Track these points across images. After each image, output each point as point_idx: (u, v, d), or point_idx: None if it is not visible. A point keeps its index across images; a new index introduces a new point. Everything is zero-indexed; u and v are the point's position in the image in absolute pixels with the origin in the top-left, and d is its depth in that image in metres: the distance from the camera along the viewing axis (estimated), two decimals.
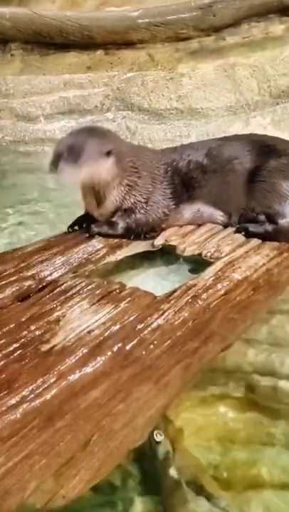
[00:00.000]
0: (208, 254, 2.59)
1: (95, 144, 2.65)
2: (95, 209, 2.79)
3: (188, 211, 2.82)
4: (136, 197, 2.74)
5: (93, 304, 2.17)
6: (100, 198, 2.74)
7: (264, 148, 2.81)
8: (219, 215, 2.83)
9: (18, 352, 1.89)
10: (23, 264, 2.47)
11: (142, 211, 2.74)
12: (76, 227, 2.83)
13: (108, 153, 2.65)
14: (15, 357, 1.87)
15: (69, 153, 2.57)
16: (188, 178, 2.80)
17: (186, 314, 2.18)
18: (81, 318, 2.08)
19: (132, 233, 2.74)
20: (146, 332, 2.05)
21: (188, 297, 2.25)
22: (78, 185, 2.73)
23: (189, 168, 2.80)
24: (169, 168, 2.80)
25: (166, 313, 2.15)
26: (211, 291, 2.31)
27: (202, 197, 2.81)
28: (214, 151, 2.83)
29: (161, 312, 2.15)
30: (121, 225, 2.73)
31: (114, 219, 2.74)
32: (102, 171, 2.66)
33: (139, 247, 2.72)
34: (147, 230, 2.76)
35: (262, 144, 2.84)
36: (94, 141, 2.66)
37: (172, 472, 1.98)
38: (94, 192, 2.74)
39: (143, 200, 2.75)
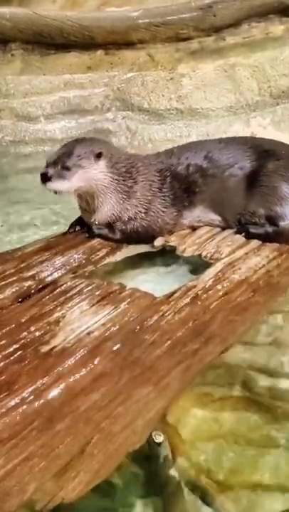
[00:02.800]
0: (208, 255, 2.59)
1: (84, 147, 2.65)
2: (90, 217, 2.75)
3: (189, 218, 2.81)
4: (136, 207, 2.71)
5: (93, 305, 2.17)
6: (96, 205, 2.70)
7: (262, 152, 2.80)
8: (219, 221, 2.82)
9: (18, 353, 1.89)
10: (23, 265, 2.47)
11: (143, 222, 2.72)
12: (76, 228, 2.82)
13: (99, 156, 2.63)
14: (15, 358, 1.87)
15: (58, 159, 2.57)
16: (188, 183, 2.77)
17: (186, 315, 2.18)
18: (81, 319, 2.08)
19: (132, 240, 2.73)
20: (146, 333, 2.06)
21: (188, 298, 2.25)
22: (73, 193, 2.67)
23: (189, 172, 2.78)
24: (168, 173, 2.78)
25: (166, 315, 2.15)
26: (210, 292, 2.31)
27: (202, 202, 2.79)
28: (213, 154, 2.80)
29: (161, 313, 2.15)
30: (121, 231, 2.72)
31: (115, 225, 2.73)
32: (95, 175, 2.63)
33: (139, 248, 2.71)
34: (148, 238, 2.73)
35: (260, 148, 2.83)
36: (82, 144, 2.67)
37: (172, 474, 1.98)
38: (90, 199, 2.70)
39: (143, 211, 2.72)
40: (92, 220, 2.74)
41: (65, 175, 2.56)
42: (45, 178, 2.55)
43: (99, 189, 2.67)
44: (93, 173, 2.63)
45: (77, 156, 2.59)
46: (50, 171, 2.55)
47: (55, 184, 2.55)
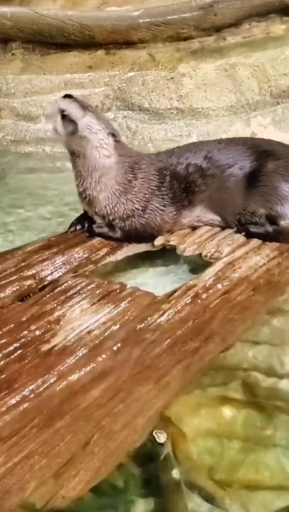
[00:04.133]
0: (209, 255, 2.60)
1: (105, 119, 2.76)
2: (90, 207, 2.77)
3: (189, 218, 2.81)
4: (133, 203, 2.72)
5: (93, 304, 2.17)
6: (92, 188, 2.71)
7: (262, 152, 2.81)
8: (218, 221, 2.82)
9: (19, 352, 1.90)
10: (23, 264, 2.48)
11: (141, 220, 2.73)
12: (77, 227, 2.83)
13: (112, 135, 2.68)
14: (15, 357, 1.88)
15: (84, 103, 2.66)
16: (187, 182, 2.78)
17: (186, 314, 2.18)
18: (81, 318, 2.08)
19: (132, 239, 2.73)
20: (146, 332, 2.06)
21: (189, 297, 2.25)
22: (72, 141, 2.65)
23: (188, 172, 2.78)
24: (167, 173, 2.78)
25: (166, 313, 2.15)
26: (211, 291, 2.32)
27: (202, 202, 2.79)
28: (213, 155, 2.81)
29: (161, 312, 2.15)
30: (120, 229, 2.72)
31: (114, 222, 2.73)
32: (101, 141, 2.65)
33: (140, 247, 2.72)
34: (147, 236, 2.74)
35: (259, 148, 2.84)
36: (105, 118, 2.78)
37: (173, 473, 1.98)
38: (86, 178, 2.70)
39: (140, 208, 2.73)
40: (90, 210, 2.76)
41: (83, 108, 2.62)
42: (65, 96, 2.62)
43: (97, 164, 2.67)
44: (101, 137, 2.65)
45: (99, 115, 2.70)
46: (73, 96, 2.64)
47: (70, 104, 2.60)
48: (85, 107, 2.63)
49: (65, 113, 2.58)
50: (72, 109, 2.58)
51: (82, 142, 2.62)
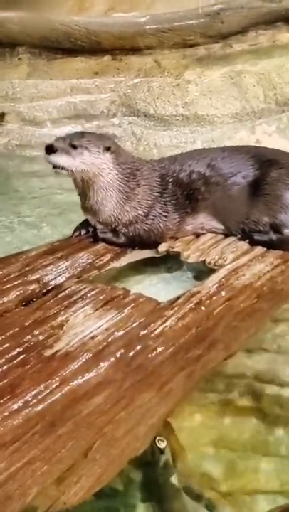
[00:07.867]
0: (212, 262, 2.59)
1: (95, 136, 2.72)
2: (93, 217, 2.77)
3: (192, 225, 2.81)
4: (136, 210, 2.72)
5: (97, 310, 2.17)
6: (97, 203, 2.71)
7: (265, 161, 2.81)
8: (222, 229, 2.82)
9: (22, 356, 1.89)
10: (27, 268, 2.47)
11: (144, 226, 2.73)
12: (81, 232, 2.83)
13: (107, 149, 2.66)
14: (18, 361, 1.87)
15: (67, 137, 2.62)
16: (190, 190, 2.77)
17: (190, 321, 2.18)
18: (84, 324, 2.08)
19: (135, 245, 2.73)
20: (149, 338, 2.05)
21: (192, 304, 2.24)
22: (74, 177, 2.64)
23: (191, 179, 2.78)
24: (170, 180, 2.78)
25: (170, 320, 2.15)
26: (214, 298, 2.31)
27: (205, 209, 2.79)
28: (216, 163, 2.81)
29: (164, 319, 2.15)
30: (124, 235, 2.73)
31: (118, 228, 2.74)
32: (100, 164, 2.64)
33: (143, 253, 2.72)
34: (151, 243, 2.74)
35: (263, 157, 2.84)
36: (94, 134, 2.75)
37: (173, 479, 1.98)
38: (91, 195, 2.70)
39: (143, 214, 2.73)
40: (94, 219, 2.76)
41: (71, 152, 2.57)
42: (49, 150, 2.55)
43: (102, 183, 2.67)
44: (98, 162, 2.63)
45: (87, 140, 2.62)
46: (57, 144, 2.56)
47: (58, 158, 2.55)
48: (69, 148, 2.57)
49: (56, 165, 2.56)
50: (61, 162, 2.55)
51: (83, 174, 2.62)
